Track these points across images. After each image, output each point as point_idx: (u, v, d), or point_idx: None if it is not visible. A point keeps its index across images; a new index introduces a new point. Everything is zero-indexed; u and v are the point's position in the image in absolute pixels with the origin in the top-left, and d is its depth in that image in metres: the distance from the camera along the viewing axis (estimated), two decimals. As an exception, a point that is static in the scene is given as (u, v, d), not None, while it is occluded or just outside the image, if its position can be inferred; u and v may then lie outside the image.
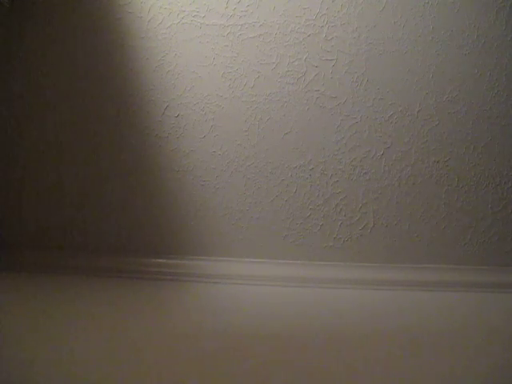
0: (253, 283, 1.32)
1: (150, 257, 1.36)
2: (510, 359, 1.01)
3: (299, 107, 1.30)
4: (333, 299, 1.26)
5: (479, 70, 1.28)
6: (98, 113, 1.34)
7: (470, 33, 1.26)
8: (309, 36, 1.28)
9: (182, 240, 1.36)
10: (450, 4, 1.26)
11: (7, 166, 1.37)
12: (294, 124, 1.31)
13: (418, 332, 1.10)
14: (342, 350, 1.04)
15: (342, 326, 1.13)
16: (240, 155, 1.33)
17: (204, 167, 1.33)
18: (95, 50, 1.31)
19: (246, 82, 1.30)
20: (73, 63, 1.33)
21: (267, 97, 1.30)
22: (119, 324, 1.11)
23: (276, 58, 1.29)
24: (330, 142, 1.31)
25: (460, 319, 1.17)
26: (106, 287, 1.30)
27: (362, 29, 1.27)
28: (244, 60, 1.29)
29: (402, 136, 1.31)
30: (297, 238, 1.35)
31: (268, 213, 1.34)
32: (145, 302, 1.23)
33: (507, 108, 1.29)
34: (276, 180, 1.33)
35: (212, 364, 0.97)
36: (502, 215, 1.32)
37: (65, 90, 1.34)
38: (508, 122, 1.29)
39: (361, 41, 1.27)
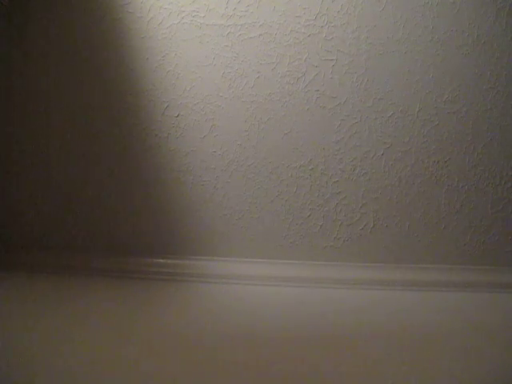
0: (253, 283, 1.32)
1: (150, 257, 1.36)
2: (509, 359, 1.01)
3: (299, 107, 1.30)
4: (333, 299, 1.26)
5: (479, 70, 1.28)
6: (98, 113, 1.34)
7: (470, 33, 1.26)
8: (309, 36, 1.28)
9: (182, 240, 1.36)
10: (449, 4, 1.26)
11: (7, 166, 1.37)
12: (294, 124, 1.31)
13: (418, 332, 1.10)
14: (341, 349, 1.04)
15: (342, 325, 1.13)
16: (240, 155, 1.33)
17: (204, 167, 1.33)
18: (95, 50, 1.31)
19: (246, 82, 1.30)
20: (72, 63, 1.33)
21: (267, 97, 1.30)
22: (119, 324, 1.11)
23: (276, 58, 1.29)
24: (330, 142, 1.31)
25: (460, 319, 1.17)
26: (105, 287, 1.30)
27: (361, 29, 1.27)
28: (244, 60, 1.29)
29: (402, 136, 1.31)
30: (297, 238, 1.35)
31: (268, 213, 1.34)
32: (145, 302, 1.23)
33: (507, 108, 1.29)
34: (276, 180, 1.33)
35: (212, 363, 0.97)
36: (502, 215, 1.32)
37: (64, 89, 1.34)
38: (508, 122, 1.29)
39: (361, 41, 1.27)
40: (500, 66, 1.27)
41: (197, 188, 1.34)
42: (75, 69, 1.33)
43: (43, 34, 1.32)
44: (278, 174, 1.33)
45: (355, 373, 0.96)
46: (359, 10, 1.26)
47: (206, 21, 1.28)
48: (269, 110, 1.31)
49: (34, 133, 1.36)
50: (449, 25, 1.26)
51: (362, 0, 1.26)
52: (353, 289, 1.31)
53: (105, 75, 1.32)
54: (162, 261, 1.36)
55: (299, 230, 1.35)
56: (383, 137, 1.31)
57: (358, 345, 1.05)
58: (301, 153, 1.32)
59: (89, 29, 1.31)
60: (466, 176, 1.31)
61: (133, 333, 1.08)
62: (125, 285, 1.30)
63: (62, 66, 1.33)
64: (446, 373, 0.96)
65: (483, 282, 1.31)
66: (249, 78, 1.30)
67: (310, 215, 1.34)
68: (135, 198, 1.36)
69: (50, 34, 1.32)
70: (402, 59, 1.28)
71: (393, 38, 1.27)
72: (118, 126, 1.33)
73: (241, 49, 1.29)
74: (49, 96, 1.34)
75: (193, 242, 1.36)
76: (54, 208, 1.38)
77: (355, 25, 1.27)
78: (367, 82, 1.29)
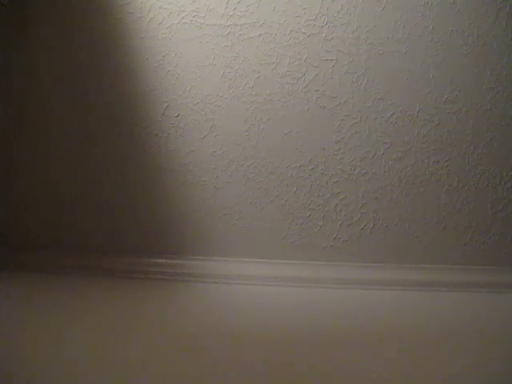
0: (252, 283, 1.32)
1: (150, 257, 1.36)
2: (510, 359, 1.01)
3: (299, 107, 1.30)
4: (333, 299, 1.26)
5: (479, 70, 1.27)
6: (98, 113, 1.34)
7: (470, 33, 1.26)
8: (309, 36, 1.28)
9: (182, 240, 1.36)
10: (449, 4, 1.25)
11: (7, 166, 1.37)
12: (294, 124, 1.31)
13: (418, 332, 1.10)
14: (341, 349, 1.04)
15: (341, 326, 1.13)
16: (240, 155, 1.33)
17: (204, 167, 1.33)
18: (95, 50, 1.31)
19: (246, 82, 1.30)
20: (72, 63, 1.32)
21: (267, 97, 1.30)
22: (119, 324, 1.11)
23: (276, 58, 1.29)
24: (330, 142, 1.31)
25: (460, 319, 1.17)
26: (106, 287, 1.30)
27: (361, 29, 1.27)
28: (244, 60, 1.29)
29: (402, 136, 1.31)
30: (297, 238, 1.35)
31: (268, 213, 1.34)
32: (145, 302, 1.23)
33: (507, 108, 1.29)
34: (276, 180, 1.33)
35: (211, 363, 0.97)
36: (502, 215, 1.32)
37: (64, 89, 1.34)
38: (508, 122, 1.29)
39: (361, 41, 1.27)
40: (500, 66, 1.27)
41: (197, 188, 1.34)
42: (75, 69, 1.33)
43: (43, 34, 1.32)
44: (278, 174, 1.33)
45: (355, 373, 0.96)
46: (359, 10, 1.26)
47: (206, 21, 1.28)
48: (269, 109, 1.31)
49: (34, 133, 1.36)
50: (449, 25, 1.26)
51: (361, 0, 1.26)
52: (353, 289, 1.31)
53: (105, 75, 1.32)
54: (162, 261, 1.36)
55: (299, 230, 1.34)
56: (383, 137, 1.31)
57: (358, 345, 1.05)
58: (301, 153, 1.32)
59: (89, 29, 1.31)
60: (466, 176, 1.31)
61: (133, 333, 1.08)
62: (125, 285, 1.30)
63: (61, 67, 1.33)
64: (446, 373, 0.96)
65: (483, 282, 1.31)
66: (249, 78, 1.30)
67: (309, 215, 1.34)
68: (135, 197, 1.36)
69: (49, 35, 1.32)
70: (402, 59, 1.28)
71: (393, 37, 1.27)
72: (118, 126, 1.33)
73: (241, 49, 1.29)
74: (49, 96, 1.34)
75: (193, 242, 1.36)
76: (53, 208, 1.38)
77: (355, 25, 1.27)
78: (367, 82, 1.29)
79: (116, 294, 1.27)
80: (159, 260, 1.36)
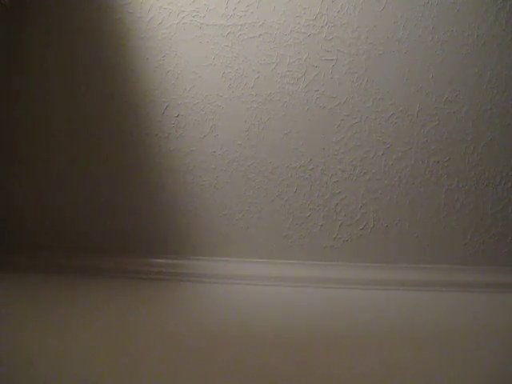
0: (252, 283, 1.32)
1: (150, 257, 1.36)
2: (510, 359, 1.01)
3: (299, 107, 1.30)
4: (333, 299, 1.26)
5: (479, 70, 1.28)
6: (98, 113, 1.34)
7: (470, 33, 1.26)
8: (309, 36, 1.28)
9: (182, 240, 1.36)
10: (449, 4, 1.26)
11: (7, 166, 1.37)
12: (294, 124, 1.31)
13: (418, 332, 1.10)
14: (341, 350, 1.04)
15: (341, 325, 1.13)
16: (240, 155, 1.33)
17: (204, 167, 1.34)
18: (95, 50, 1.31)
19: (246, 82, 1.30)
20: (72, 63, 1.33)
21: (267, 97, 1.30)
22: (119, 324, 1.11)
23: (276, 58, 1.29)
24: (330, 142, 1.31)
25: (460, 319, 1.17)
26: (106, 287, 1.30)
27: (361, 29, 1.27)
28: (244, 60, 1.29)
29: (402, 136, 1.31)
30: (297, 238, 1.35)
31: (268, 213, 1.34)
32: (145, 302, 1.23)
33: (507, 108, 1.29)
34: (276, 180, 1.33)
35: (211, 363, 0.97)
36: (502, 215, 1.32)
37: (64, 89, 1.34)
38: (508, 122, 1.29)
39: (361, 41, 1.28)
40: (500, 66, 1.27)
41: (197, 188, 1.34)
42: (75, 69, 1.33)
43: (43, 34, 1.32)
44: (278, 174, 1.33)
45: (355, 373, 0.96)
46: (359, 10, 1.26)
47: (205, 21, 1.28)
48: (269, 109, 1.31)
49: (33, 133, 1.36)
50: (449, 25, 1.26)
51: (361, 0, 1.26)
52: (353, 289, 1.31)
53: (105, 75, 1.32)
54: (161, 261, 1.36)
55: (299, 229, 1.35)
56: (383, 137, 1.31)
57: (357, 345, 1.05)
58: (301, 153, 1.32)
59: (89, 29, 1.31)
60: (466, 176, 1.31)
61: (133, 333, 1.08)
62: (125, 285, 1.30)
63: (61, 66, 1.33)
64: (445, 373, 0.96)
65: (483, 282, 1.31)
66: (249, 78, 1.30)
67: (309, 215, 1.34)
68: (135, 198, 1.36)
69: (50, 35, 1.32)
70: (402, 59, 1.28)
71: (393, 37, 1.27)
72: (118, 126, 1.33)
73: (241, 49, 1.29)
74: (49, 96, 1.34)
75: (193, 242, 1.36)
76: (53, 208, 1.38)
77: (355, 25, 1.27)
78: (367, 82, 1.29)
79: (116, 294, 1.27)
80: (159, 260, 1.36)
